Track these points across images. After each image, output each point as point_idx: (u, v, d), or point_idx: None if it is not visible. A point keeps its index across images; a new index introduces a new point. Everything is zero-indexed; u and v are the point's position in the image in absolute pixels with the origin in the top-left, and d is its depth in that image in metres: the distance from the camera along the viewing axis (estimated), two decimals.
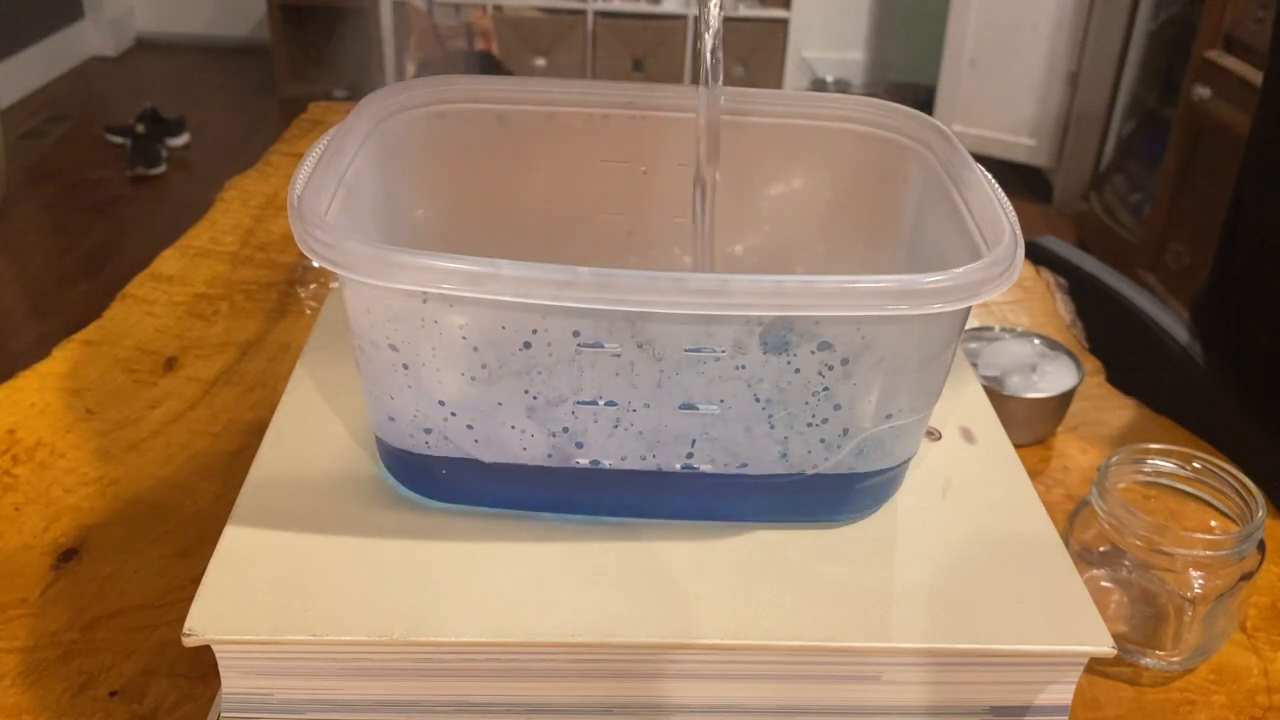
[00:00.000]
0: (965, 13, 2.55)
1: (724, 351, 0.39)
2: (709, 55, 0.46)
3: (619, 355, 0.39)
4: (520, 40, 2.90)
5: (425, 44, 2.87)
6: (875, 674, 0.40)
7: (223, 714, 0.40)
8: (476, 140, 0.52)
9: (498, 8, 2.85)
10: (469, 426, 0.41)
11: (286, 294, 0.78)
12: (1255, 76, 1.74)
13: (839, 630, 0.39)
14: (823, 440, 0.41)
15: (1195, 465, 0.51)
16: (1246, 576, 0.48)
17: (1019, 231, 0.40)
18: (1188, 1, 2.10)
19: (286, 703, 0.40)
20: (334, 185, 0.42)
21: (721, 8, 0.46)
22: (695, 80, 0.47)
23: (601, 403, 0.40)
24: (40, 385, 0.65)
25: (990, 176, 0.45)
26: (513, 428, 0.41)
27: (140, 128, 2.58)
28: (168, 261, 0.80)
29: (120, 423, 0.63)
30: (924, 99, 2.68)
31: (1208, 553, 0.47)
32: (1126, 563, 0.48)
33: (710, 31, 0.46)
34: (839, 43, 3.25)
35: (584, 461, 0.42)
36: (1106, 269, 0.89)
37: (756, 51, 2.94)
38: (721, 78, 0.47)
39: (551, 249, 0.54)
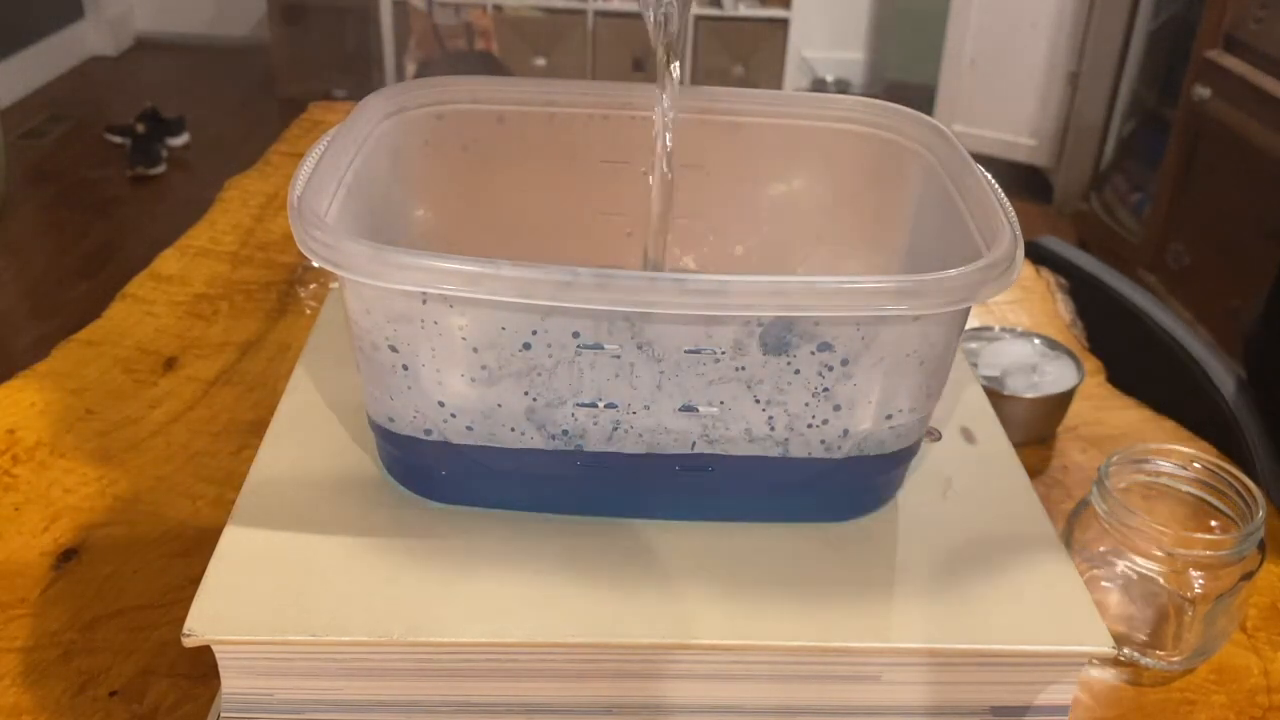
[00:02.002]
0: (965, 13, 2.55)
1: (724, 352, 0.39)
2: (668, 68, 0.46)
3: (619, 356, 0.39)
4: (520, 40, 2.90)
5: (425, 44, 2.87)
6: (875, 674, 0.40)
7: (223, 714, 0.40)
8: (476, 140, 0.52)
9: (498, 8, 2.85)
10: (469, 428, 0.41)
11: (286, 294, 0.78)
12: (1255, 76, 1.74)
13: (839, 630, 0.39)
14: (823, 441, 0.41)
15: (1195, 465, 0.51)
16: (1246, 576, 0.48)
17: (1019, 231, 0.40)
18: (1188, 1, 2.10)
19: (286, 703, 0.40)
20: (334, 185, 0.42)
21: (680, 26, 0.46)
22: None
23: (601, 404, 0.40)
24: (40, 385, 0.65)
25: (990, 176, 0.45)
26: (512, 429, 0.41)
27: (140, 128, 2.58)
28: (168, 261, 0.80)
29: (120, 423, 0.63)
30: (924, 99, 2.67)
31: (1208, 553, 0.47)
32: (1126, 563, 0.48)
33: (666, 43, 0.46)
34: (839, 43, 3.25)
35: (583, 463, 0.42)
36: (1106, 269, 0.89)
37: (756, 51, 2.94)
38: (676, 84, 0.47)
39: (551, 249, 0.54)
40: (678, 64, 0.46)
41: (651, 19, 0.45)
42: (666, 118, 0.47)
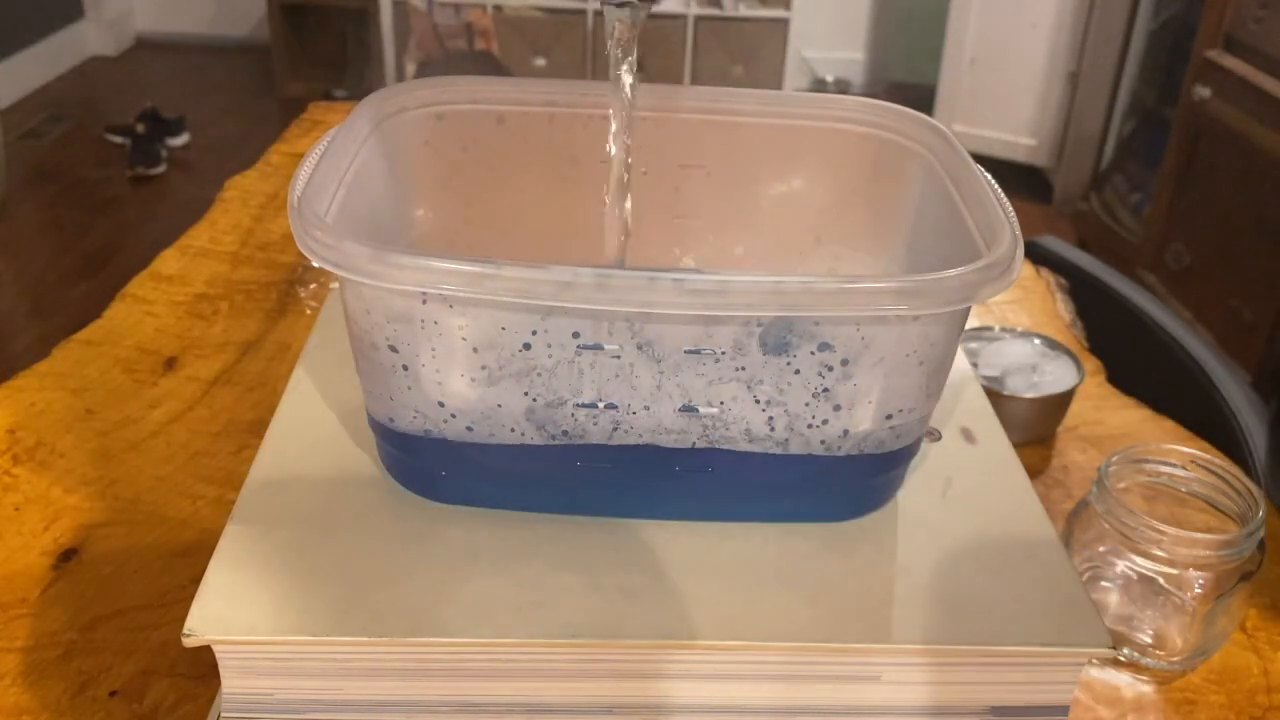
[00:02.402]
0: (965, 13, 2.55)
1: (724, 352, 0.39)
2: (622, 71, 0.46)
3: (619, 357, 0.39)
4: (520, 40, 2.90)
5: (425, 44, 2.87)
6: (875, 674, 0.40)
7: (223, 714, 0.40)
8: (476, 140, 0.52)
9: (498, 8, 2.85)
10: (469, 428, 0.41)
11: (286, 294, 0.78)
12: (1255, 76, 1.74)
13: (839, 630, 0.39)
14: (823, 441, 0.41)
15: (1195, 465, 0.51)
16: (1246, 576, 0.48)
17: (1019, 231, 0.40)
18: (1188, 1, 2.10)
19: (286, 703, 0.40)
20: (334, 185, 0.42)
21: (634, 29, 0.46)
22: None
23: (601, 405, 0.40)
24: (40, 385, 0.65)
25: (990, 177, 0.45)
26: (512, 429, 0.41)
27: (140, 128, 2.58)
28: (168, 261, 0.80)
29: (120, 423, 0.63)
30: (924, 99, 2.67)
31: (1208, 553, 0.47)
32: (1126, 563, 0.48)
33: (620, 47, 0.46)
34: (839, 43, 3.25)
35: (583, 463, 0.42)
36: (1106, 269, 0.89)
37: (756, 51, 2.94)
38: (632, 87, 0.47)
39: (551, 249, 0.54)
40: (632, 66, 0.46)
41: (614, 22, 0.45)
42: (625, 118, 0.47)
